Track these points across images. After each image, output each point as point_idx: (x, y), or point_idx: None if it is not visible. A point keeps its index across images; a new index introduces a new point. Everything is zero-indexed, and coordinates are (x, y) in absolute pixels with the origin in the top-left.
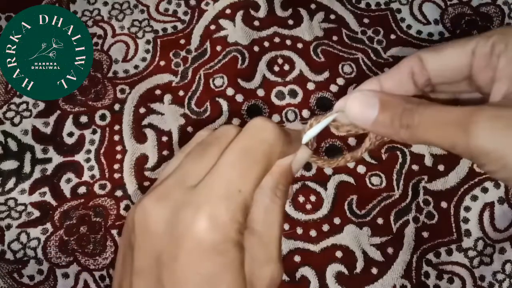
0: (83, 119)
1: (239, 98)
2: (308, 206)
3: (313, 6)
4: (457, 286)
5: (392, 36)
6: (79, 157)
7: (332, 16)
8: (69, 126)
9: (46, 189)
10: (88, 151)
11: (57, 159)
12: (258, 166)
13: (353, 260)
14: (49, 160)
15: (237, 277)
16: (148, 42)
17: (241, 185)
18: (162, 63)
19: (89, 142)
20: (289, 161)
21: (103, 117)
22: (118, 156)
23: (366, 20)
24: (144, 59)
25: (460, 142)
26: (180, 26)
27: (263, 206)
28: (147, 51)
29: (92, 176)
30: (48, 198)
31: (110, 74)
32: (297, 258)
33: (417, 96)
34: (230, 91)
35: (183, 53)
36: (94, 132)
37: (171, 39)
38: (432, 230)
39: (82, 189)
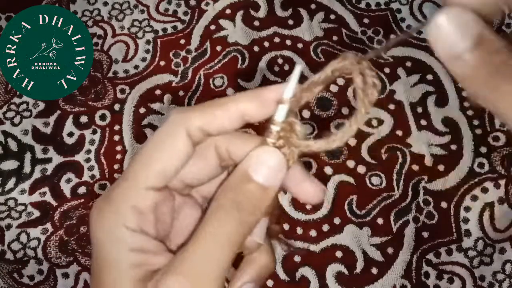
0: (83, 119)
1: None
2: (308, 206)
3: (313, 6)
4: (457, 286)
5: (392, 36)
6: (79, 157)
7: (332, 16)
8: (69, 126)
9: (46, 189)
10: (88, 151)
11: (57, 159)
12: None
13: (353, 260)
14: (49, 160)
15: None
16: (148, 42)
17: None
18: (162, 63)
19: (89, 142)
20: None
21: (103, 117)
22: (118, 156)
23: (366, 20)
24: (144, 59)
25: None
26: (180, 26)
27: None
28: (147, 51)
29: (92, 176)
30: (48, 198)
31: (110, 74)
32: (297, 258)
33: None
34: (230, 91)
35: (183, 53)
36: (94, 132)
37: (171, 39)
38: (432, 230)
39: (82, 189)
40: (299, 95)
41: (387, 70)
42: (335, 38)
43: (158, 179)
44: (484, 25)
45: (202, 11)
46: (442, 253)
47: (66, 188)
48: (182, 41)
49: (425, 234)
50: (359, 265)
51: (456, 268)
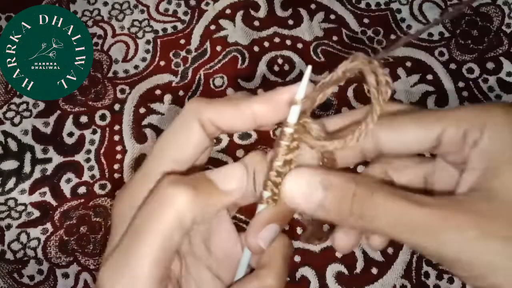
0: (83, 119)
1: None
2: None
3: (313, 6)
4: (457, 286)
5: (392, 36)
6: (79, 157)
7: (332, 16)
8: (69, 126)
9: (46, 189)
10: (88, 151)
11: (57, 159)
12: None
13: (353, 260)
14: (49, 160)
15: None
16: (148, 42)
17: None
18: (162, 63)
19: (89, 142)
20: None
21: (103, 117)
22: (118, 156)
23: (366, 20)
24: (144, 59)
25: (429, 247)
26: (180, 26)
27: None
28: (147, 51)
29: (92, 176)
30: (48, 198)
31: (110, 74)
32: (297, 258)
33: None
34: (230, 91)
35: (183, 53)
36: (94, 132)
37: (171, 39)
38: None
39: (82, 189)
40: (311, 96)
41: (387, 70)
42: (335, 38)
43: (178, 166)
44: (326, 172)
45: (202, 11)
46: None
47: (66, 188)
48: (182, 41)
49: None
50: (359, 265)
51: None
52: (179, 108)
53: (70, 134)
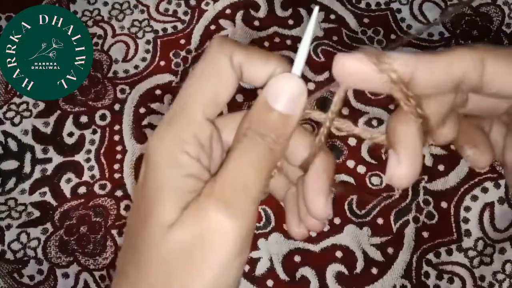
0: (83, 119)
1: (239, 98)
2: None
3: (313, 6)
4: (457, 286)
5: (392, 36)
6: (79, 157)
7: (332, 16)
8: (69, 126)
9: (46, 189)
10: (88, 151)
11: (57, 159)
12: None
13: (353, 260)
14: (49, 160)
15: None
16: (148, 42)
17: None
18: (162, 63)
19: (89, 142)
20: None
21: (103, 117)
22: (118, 156)
23: (366, 20)
24: (144, 59)
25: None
26: (180, 26)
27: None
28: (147, 51)
29: (92, 176)
30: (48, 198)
31: (110, 74)
32: (297, 258)
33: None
34: None
35: (183, 53)
36: (94, 132)
37: (171, 39)
38: (432, 230)
39: (82, 189)
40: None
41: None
42: (335, 38)
43: (213, 109)
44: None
45: (202, 11)
46: (442, 253)
47: (66, 188)
48: (182, 41)
49: (425, 234)
50: (359, 265)
51: (456, 268)
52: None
53: (70, 134)
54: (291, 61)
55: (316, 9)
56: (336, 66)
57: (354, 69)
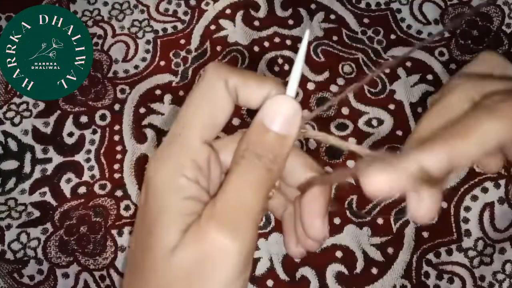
0: (83, 119)
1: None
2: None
3: (313, 6)
4: (457, 286)
5: (392, 36)
6: (79, 157)
7: (332, 16)
8: (69, 126)
9: (46, 189)
10: (88, 151)
11: (57, 159)
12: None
13: (353, 260)
14: (49, 160)
15: None
16: (148, 42)
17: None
18: (162, 63)
19: (89, 142)
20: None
21: (103, 117)
22: (118, 156)
23: (366, 20)
24: (144, 59)
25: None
26: (180, 26)
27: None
28: (147, 51)
29: (92, 176)
30: (48, 198)
31: (110, 74)
32: (297, 258)
33: None
34: None
35: (183, 53)
36: (94, 132)
37: (171, 39)
38: (432, 230)
39: (82, 189)
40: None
41: (387, 70)
42: (335, 38)
43: (210, 132)
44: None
45: (202, 11)
46: (442, 253)
47: (66, 188)
48: (182, 41)
49: (425, 234)
50: (359, 265)
51: (456, 268)
52: (179, 108)
53: (70, 134)
54: (285, 83)
55: (307, 32)
56: (367, 187)
57: (386, 188)
